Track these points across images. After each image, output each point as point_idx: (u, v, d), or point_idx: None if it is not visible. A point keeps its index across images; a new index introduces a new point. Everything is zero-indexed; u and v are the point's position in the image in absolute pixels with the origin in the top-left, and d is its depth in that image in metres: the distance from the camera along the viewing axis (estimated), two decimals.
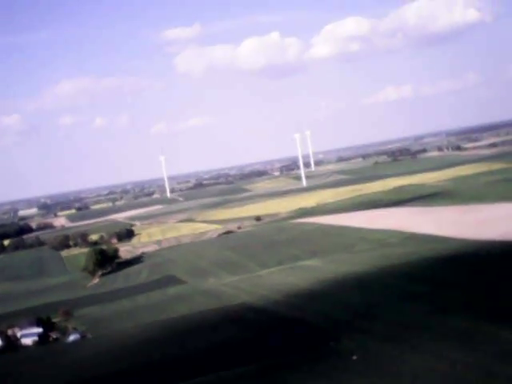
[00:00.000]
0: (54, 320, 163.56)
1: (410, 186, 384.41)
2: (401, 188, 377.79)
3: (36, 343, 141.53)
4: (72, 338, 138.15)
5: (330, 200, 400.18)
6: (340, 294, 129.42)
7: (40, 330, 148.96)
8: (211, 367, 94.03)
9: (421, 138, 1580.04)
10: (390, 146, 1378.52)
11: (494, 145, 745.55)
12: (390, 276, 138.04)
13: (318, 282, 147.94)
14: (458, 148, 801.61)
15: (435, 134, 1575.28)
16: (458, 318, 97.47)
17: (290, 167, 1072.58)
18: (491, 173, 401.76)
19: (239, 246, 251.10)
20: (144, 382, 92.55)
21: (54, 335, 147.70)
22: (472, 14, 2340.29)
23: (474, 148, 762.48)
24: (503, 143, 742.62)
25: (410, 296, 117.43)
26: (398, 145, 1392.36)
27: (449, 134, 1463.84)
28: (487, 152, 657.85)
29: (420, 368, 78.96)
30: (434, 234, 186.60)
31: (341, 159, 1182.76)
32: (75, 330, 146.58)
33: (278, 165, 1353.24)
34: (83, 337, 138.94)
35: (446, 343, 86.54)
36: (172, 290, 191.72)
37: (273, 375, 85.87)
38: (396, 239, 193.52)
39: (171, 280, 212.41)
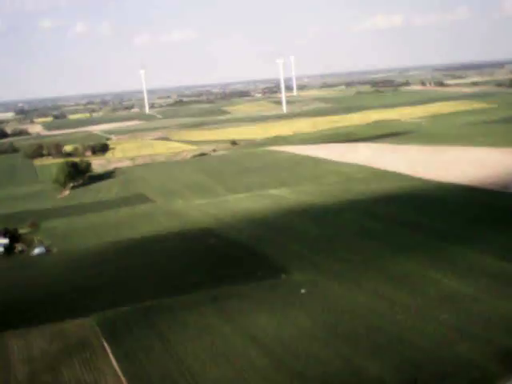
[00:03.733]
0: (21, 231, 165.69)
1: (386, 120, 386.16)
2: (378, 123, 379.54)
3: (1, 254, 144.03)
4: (37, 251, 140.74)
5: (308, 129, 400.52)
6: (299, 226, 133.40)
7: (6, 241, 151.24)
8: (167, 291, 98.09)
9: (406, 70, 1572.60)
10: (374, 76, 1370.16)
11: (475, 83, 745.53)
12: (349, 211, 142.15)
13: (280, 211, 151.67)
14: (441, 84, 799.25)
15: (421, 68, 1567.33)
16: (407, 259, 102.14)
17: (272, 89, 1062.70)
18: (469, 112, 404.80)
19: (211, 170, 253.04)
20: (100, 301, 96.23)
21: (19, 247, 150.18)
22: None
23: (456, 85, 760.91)
24: (485, 83, 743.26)
25: (366, 233, 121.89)
26: (382, 75, 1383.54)
27: (434, 68, 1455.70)
28: (468, 90, 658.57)
29: (361, 307, 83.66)
30: (400, 173, 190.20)
31: (324, 85, 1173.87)
32: (41, 243, 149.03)
33: (261, 86, 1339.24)
34: (48, 251, 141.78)
35: (391, 284, 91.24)
36: (140, 209, 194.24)
37: (222, 303, 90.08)
38: (363, 174, 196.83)
39: (140, 198, 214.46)
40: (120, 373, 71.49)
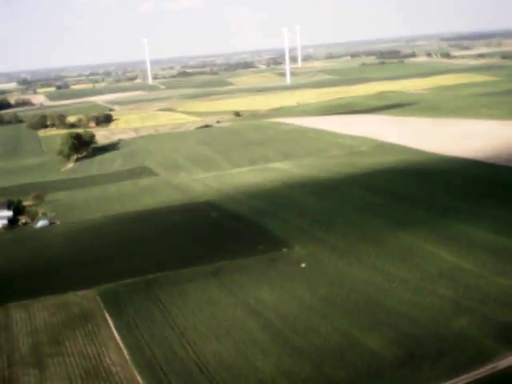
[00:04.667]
0: (25, 203, 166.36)
1: (391, 92, 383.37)
2: (382, 94, 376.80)
3: (5, 227, 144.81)
4: (40, 223, 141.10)
5: (312, 101, 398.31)
6: (301, 200, 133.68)
7: (10, 213, 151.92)
8: (169, 264, 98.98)
9: (413, 39, 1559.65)
10: (381, 45, 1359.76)
11: (482, 55, 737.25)
12: (352, 185, 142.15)
13: (283, 185, 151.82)
14: (447, 55, 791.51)
15: (428, 37, 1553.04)
16: (407, 233, 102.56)
17: (277, 60, 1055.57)
18: (473, 85, 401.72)
19: (215, 143, 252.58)
20: (102, 273, 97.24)
21: (23, 219, 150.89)
22: None
23: (463, 57, 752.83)
24: (491, 54, 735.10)
25: (367, 207, 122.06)
26: (389, 45, 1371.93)
27: (442, 38, 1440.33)
28: (474, 62, 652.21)
29: (360, 281, 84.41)
30: (403, 145, 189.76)
31: (329, 56, 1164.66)
32: (44, 215, 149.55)
33: (266, 56, 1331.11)
34: (51, 223, 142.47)
35: (390, 258, 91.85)
36: (143, 182, 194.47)
37: (223, 276, 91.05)
38: (367, 147, 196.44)
39: (144, 171, 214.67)
40: (122, 345, 72.71)
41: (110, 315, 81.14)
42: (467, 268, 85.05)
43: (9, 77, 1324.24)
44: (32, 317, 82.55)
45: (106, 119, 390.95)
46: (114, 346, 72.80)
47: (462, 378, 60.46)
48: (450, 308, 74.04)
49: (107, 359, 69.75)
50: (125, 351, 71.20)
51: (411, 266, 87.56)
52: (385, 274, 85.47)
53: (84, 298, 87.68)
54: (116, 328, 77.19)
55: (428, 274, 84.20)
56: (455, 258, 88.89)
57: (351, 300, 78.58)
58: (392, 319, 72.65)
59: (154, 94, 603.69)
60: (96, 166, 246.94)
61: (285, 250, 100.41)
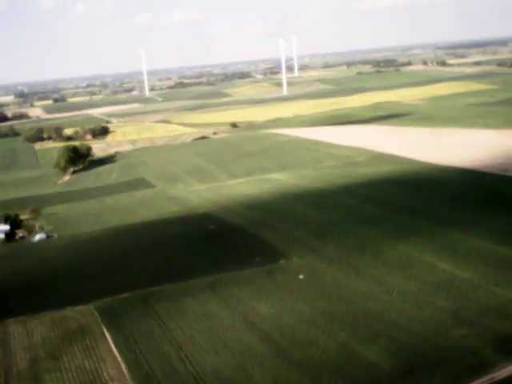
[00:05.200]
0: (22, 217, 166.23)
1: (387, 102, 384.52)
2: (378, 104, 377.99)
3: (2, 241, 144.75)
4: (38, 237, 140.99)
5: (308, 112, 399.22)
6: (299, 211, 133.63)
7: (7, 227, 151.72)
8: (166, 277, 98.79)
9: (409, 48, 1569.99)
10: (376, 55, 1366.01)
11: (477, 63, 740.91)
12: (349, 196, 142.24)
13: (280, 196, 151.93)
14: (443, 63, 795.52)
15: (424, 46, 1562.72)
16: (405, 244, 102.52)
17: (273, 70, 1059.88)
18: (470, 94, 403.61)
19: (212, 154, 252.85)
20: (100, 287, 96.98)
21: (20, 233, 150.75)
22: None
23: (458, 65, 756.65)
24: (487, 62, 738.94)
25: (364, 217, 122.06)
26: (385, 54, 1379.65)
27: (437, 47, 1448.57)
28: (470, 70, 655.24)
29: (358, 292, 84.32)
30: (400, 156, 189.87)
31: (326, 65, 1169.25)
32: (41, 229, 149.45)
33: (262, 66, 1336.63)
34: (49, 237, 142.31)
35: (389, 269, 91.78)
36: (140, 194, 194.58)
37: (221, 289, 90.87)
38: (363, 158, 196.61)
39: (141, 183, 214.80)
40: (120, 360, 72.41)
41: (108, 330, 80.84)
42: (465, 278, 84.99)
43: (6, 89, 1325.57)
44: (30, 332, 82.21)
45: (102, 132, 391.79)
46: (112, 360, 72.51)
47: None
48: (449, 319, 73.91)
49: (105, 374, 69.47)
50: (123, 366, 70.92)
51: (409, 277, 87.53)
52: (383, 285, 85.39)
53: (81, 312, 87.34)
54: (114, 343, 76.92)
55: (426, 284, 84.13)
56: (453, 268, 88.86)
57: (350, 311, 78.43)
58: (391, 331, 72.53)
59: (151, 107, 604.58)
60: (93, 178, 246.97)
61: (282, 261, 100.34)
